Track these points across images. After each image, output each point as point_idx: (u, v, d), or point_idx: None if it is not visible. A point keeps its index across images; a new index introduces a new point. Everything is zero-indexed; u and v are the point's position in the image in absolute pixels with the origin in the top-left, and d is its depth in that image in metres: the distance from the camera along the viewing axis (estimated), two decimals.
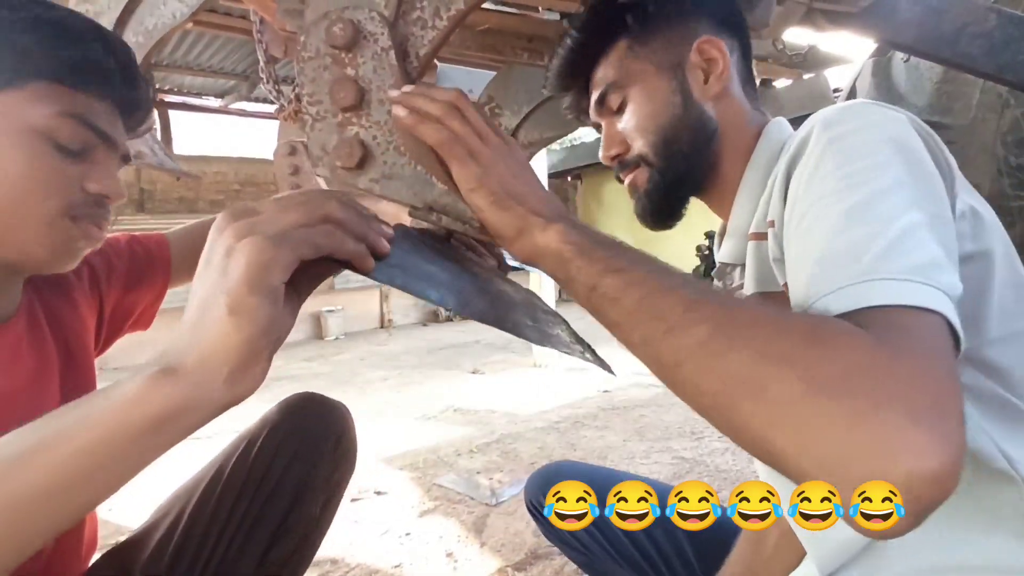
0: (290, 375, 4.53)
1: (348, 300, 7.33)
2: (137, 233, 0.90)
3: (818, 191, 0.46)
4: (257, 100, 6.22)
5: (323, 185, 1.71)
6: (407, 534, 1.77)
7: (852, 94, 1.33)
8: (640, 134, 0.69)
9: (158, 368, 0.36)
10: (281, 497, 0.78)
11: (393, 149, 0.54)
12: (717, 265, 0.74)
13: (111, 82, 0.60)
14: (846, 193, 0.44)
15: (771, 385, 0.34)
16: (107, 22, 0.97)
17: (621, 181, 0.74)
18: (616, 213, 9.62)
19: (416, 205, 0.54)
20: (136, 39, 1.00)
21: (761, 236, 0.59)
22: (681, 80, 0.68)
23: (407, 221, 0.56)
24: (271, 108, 1.65)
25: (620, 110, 0.70)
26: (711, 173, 0.69)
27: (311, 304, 7.08)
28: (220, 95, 6.45)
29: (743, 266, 0.65)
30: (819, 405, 0.32)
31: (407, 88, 0.52)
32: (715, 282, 0.76)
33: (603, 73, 0.70)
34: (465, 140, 0.50)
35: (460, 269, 0.54)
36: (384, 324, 7.74)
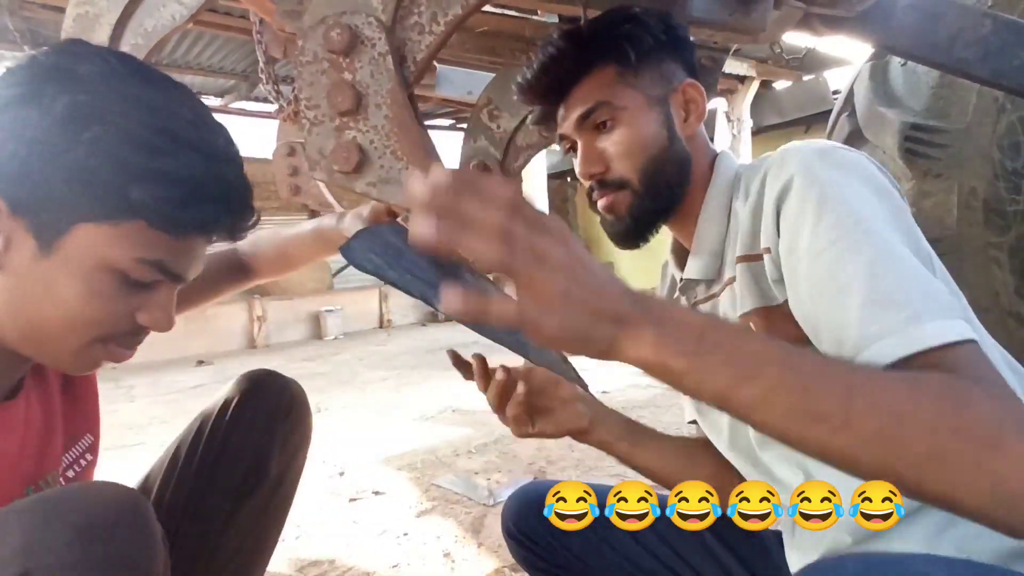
0: (291, 374, 4.51)
1: (347, 300, 7.34)
2: None
3: (830, 237, 0.52)
4: (257, 99, 6.22)
5: (322, 188, 1.71)
6: (405, 534, 1.77)
7: (850, 97, 1.33)
8: (627, 159, 0.71)
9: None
10: (241, 460, 0.84)
11: (390, 153, 0.55)
12: (680, 281, 0.77)
13: (212, 231, 0.59)
14: (861, 242, 0.51)
15: (950, 457, 0.38)
16: (106, 24, 0.98)
17: (591, 200, 0.76)
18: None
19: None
20: (135, 41, 1.00)
21: (754, 258, 0.64)
22: (667, 115, 0.73)
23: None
24: (271, 108, 1.66)
25: (603, 129, 0.72)
26: (679, 204, 0.74)
27: (310, 304, 7.08)
28: (220, 94, 6.46)
29: (707, 281, 0.73)
30: (992, 462, 0.37)
31: (439, 174, 0.36)
32: (680, 297, 0.79)
33: (588, 91, 0.72)
34: (534, 249, 0.37)
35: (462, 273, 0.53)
36: (383, 324, 7.74)
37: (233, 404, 0.86)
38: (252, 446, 0.85)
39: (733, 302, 0.67)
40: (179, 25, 1.03)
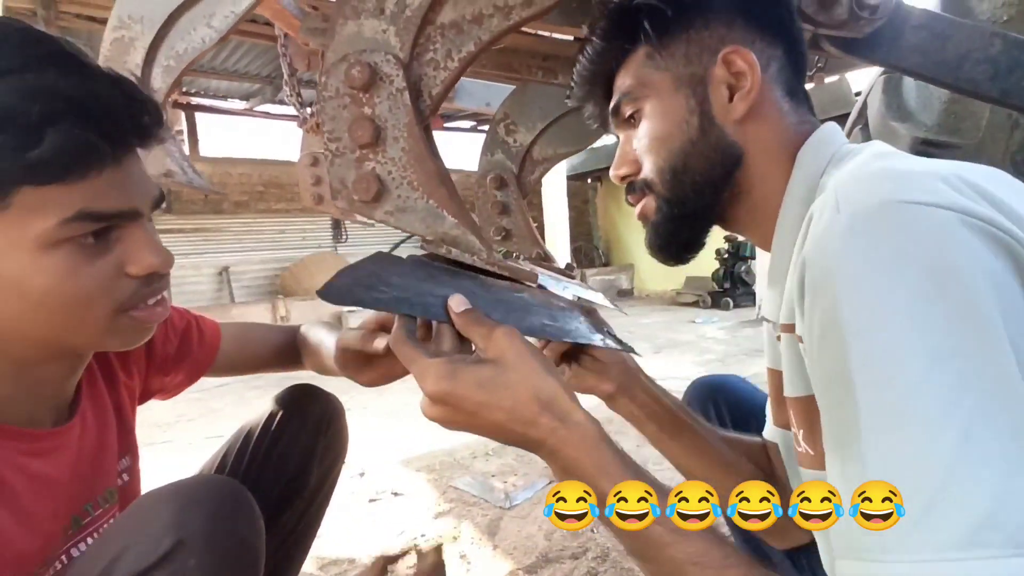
0: (312, 376, 4.60)
1: None
2: (196, 314, 0.95)
3: (845, 390, 0.39)
4: (281, 103, 6.34)
5: None
6: (422, 535, 1.82)
7: (863, 110, 1.34)
8: (650, 156, 0.63)
9: None
10: (282, 471, 0.90)
11: (407, 184, 0.58)
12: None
13: (97, 154, 0.51)
14: (882, 389, 0.37)
15: None
16: (140, 47, 1.03)
17: (632, 204, 0.68)
18: (636, 218, 9.55)
19: (428, 237, 0.58)
20: (168, 63, 1.05)
21: (791, 329, 0.52)
22: (701, 97, 0.60)
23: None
24: (294, 111, 1.71)
25: (633, 123, 0.64)
26: (737, 203, 0.62)
27: (334, 304, 7.18)
28: (245, 98, 6.59)
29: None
30: None
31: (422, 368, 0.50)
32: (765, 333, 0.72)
33: (620, 81, 0.65)
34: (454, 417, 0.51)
35: (473, 285, 0.57)
36: None
37: (277, 418, 0.92)
38: (294, 458, 0.91)
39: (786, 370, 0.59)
40: (208, 48, 1.08)
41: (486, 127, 1.30)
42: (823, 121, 0.63)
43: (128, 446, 0.77)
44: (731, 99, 0.59)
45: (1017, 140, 1.10)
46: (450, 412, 0.49)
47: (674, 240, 0.65)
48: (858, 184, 0.44)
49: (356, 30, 0.59)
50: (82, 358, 0.66)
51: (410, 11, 0.58)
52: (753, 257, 7.18)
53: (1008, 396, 0.35)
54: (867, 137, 1.28)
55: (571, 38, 1.20)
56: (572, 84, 0.70)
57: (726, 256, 7.58)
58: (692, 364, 4.31)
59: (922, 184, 0.40)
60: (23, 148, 0.47)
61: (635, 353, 0.66)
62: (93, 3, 2.74)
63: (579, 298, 0.80)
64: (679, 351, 4.91)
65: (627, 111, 0.64)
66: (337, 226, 7.42)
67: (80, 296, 0.53)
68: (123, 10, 1.03)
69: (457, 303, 0.52)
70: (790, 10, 0.64)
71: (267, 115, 6.43)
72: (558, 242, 4.12)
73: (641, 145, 0.63)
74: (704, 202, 0.62)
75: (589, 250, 11.01)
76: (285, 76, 1.70)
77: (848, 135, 1.42)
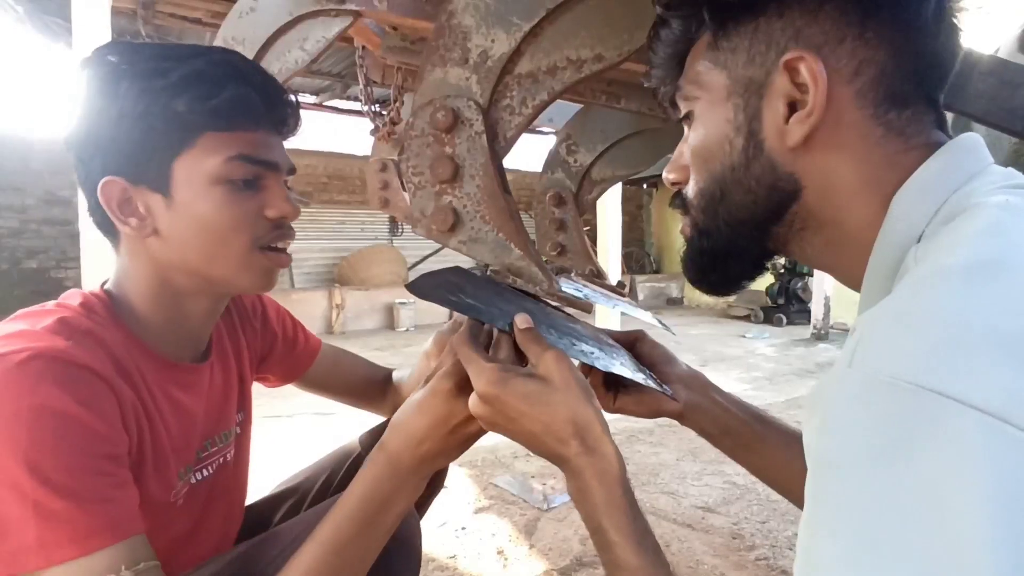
0: None
1: None
2: (303, 326, 1.04)
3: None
4: (349, 99, 6.56)
5: (408, 200, 1.86)
6: (463, 528, 1.90)
7: None
8: (693, 173, 0.54)
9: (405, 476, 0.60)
10: None
11: (480, 218, 0.65)
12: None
13: (256, 113, 0.68)
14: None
15: None
16: None
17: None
18: None
19: (496, 267, 0.64)
20: None
21: None
22: (752, 112, 0.48)
23: None
24: (361, 106, 1.81)
25: (689, 123, 0.55)
26: (802, 239, 0.51)
27: (386, 295, 7.39)
28: (315, 93, 6.84)
29: None
30: None
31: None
32: None
33: (685, 69, 0.54)
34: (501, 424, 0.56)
35: (535, 307, 0.63)
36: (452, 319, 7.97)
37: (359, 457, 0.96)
38: None
39: None
40: (300, 68, 1.18)
41: (542, 129, 1.34)
42: None
43: (243, 402, 0.87)
44: (787, 120, 0.46)
45: None
46: (493, 413, 0.55)
47: (704, 277, 0.57)
48: (887, 333, 0.33)
49: (442, 76, 0.66)
50: (221, 300, 0.76)
51: (491, 62, 0.65)
52: (811, 274, 6.98)
53: None
54: None
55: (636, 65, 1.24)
56: (649, 64, 0.59)
57: (782, 271, 7.39)
58: (738, 380, 4.26)
59: (973, 365, 0.29)
60: (208, 97, 0.63)
61: (671, 395, 0.70)
62: (186, 4, 2.96)
63: (624, 315, 0.84)
64: (726, 365, 4.85)
65: (682, 109, 0.55)
66: (394, 220, 7.63)
67: (229, 225, 0.67)
68: (228, 32, 1.14)
69: (522, 320, 0.58)
70: None
71: (335, 110, 6.65)
72: (610, 247, 4.12)
73: (689, 156, 0.54)
74: (740, 242, 0.53)
75: (640, 256, 10.92)
76: (360, 85, 1.80)
77: None
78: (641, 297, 9.74)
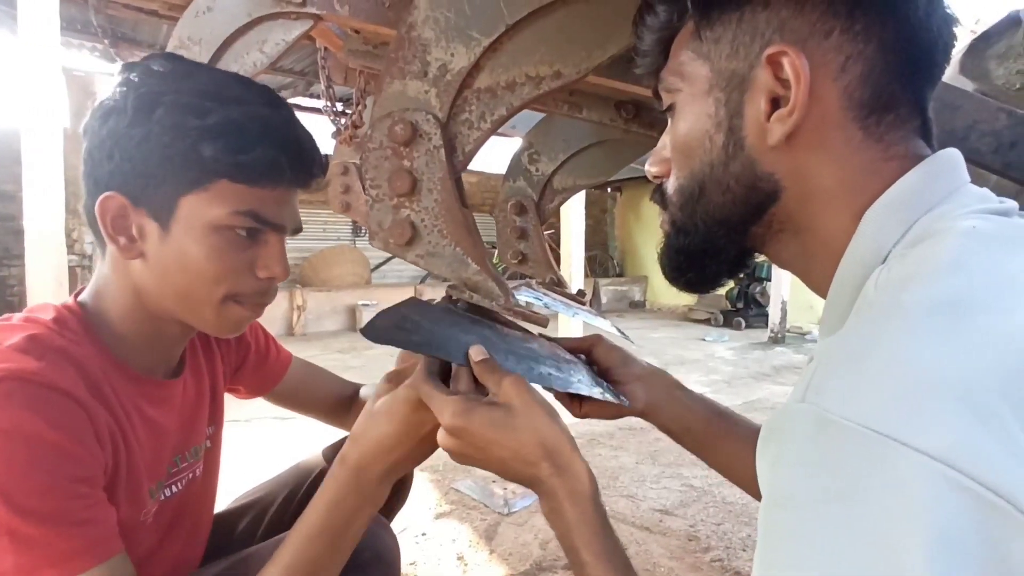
0: (325, 365, 4.68)
1: (384, 295, 7.53)
2: (275, 339, 1.03)
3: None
4: (311, 96, 6.45)
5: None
6: (423, 534, 1.88)
7: None
8: (673, 167, 0.53)
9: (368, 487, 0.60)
10: None
11: (437, 232, 0.64)
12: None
13: (282, 174, 0.67)
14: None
15: None
16: None
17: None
18: (654, 229, 9.59)
19: (453, 281, 0.64)
20: None
21: None
22: (734, 108, 0.46)
23: None
24: (322, 103, 1.79)
25: (669, 112, 0.53)
26: (778, 241, 0.50)
27: (348, 296, 7.29)
28: (278, 90, 6.72)
29: None
30: None
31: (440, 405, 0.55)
32: None
33: (670, 58, 0.53)
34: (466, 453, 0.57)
35: (491, 334, 0.64)
36: None
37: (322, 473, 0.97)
38: None
39: None
40: (259, 71, 1.15)
41: (507, 133, 1.34)
42: None
43: (215, 416, 0.86)
44: (768, 117, 0.45)
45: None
46: (462, 445, 0.55)
47: (681, 275, 0.55)
48: (841, 374, 0.33)
49: (401, 89, 0.66)
50: (192, 328, 0.74)
51: (451, 76, 0.65)
52: (769, 279, 7.17)
53: None
54: None
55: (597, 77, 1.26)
56: (636, 52, 0.57)
57: (741, 276, 7.57)
58: (697, 383, 4.35)
59: (923, 409, 0.29)
60: (237, 151, 0.63)
61: (626, 405, 0.72)
62: None
63: (587, 324, 0.86)
64: (685, 368, 4.94)
65: (665, 101, 0.53)
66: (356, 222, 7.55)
67: (214, 274, 0.65)
68: (184, 32, 1.10)
69: (476, 352, 0.58)
70: None
71: (297, 107, 6.55)
72: (573, 251, 4.16)
73: (670, 148, 0.53)
74: (718, 241, 0.51)
75: (604, 260, 11.04)
76: (322, 87, 1.77)
77: None
78: (605, 300, 9.84)
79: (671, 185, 0.53)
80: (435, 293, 7.78)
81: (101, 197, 0.63)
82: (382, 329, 0.58)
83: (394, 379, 0.64)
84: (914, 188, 0.42)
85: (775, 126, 0.44)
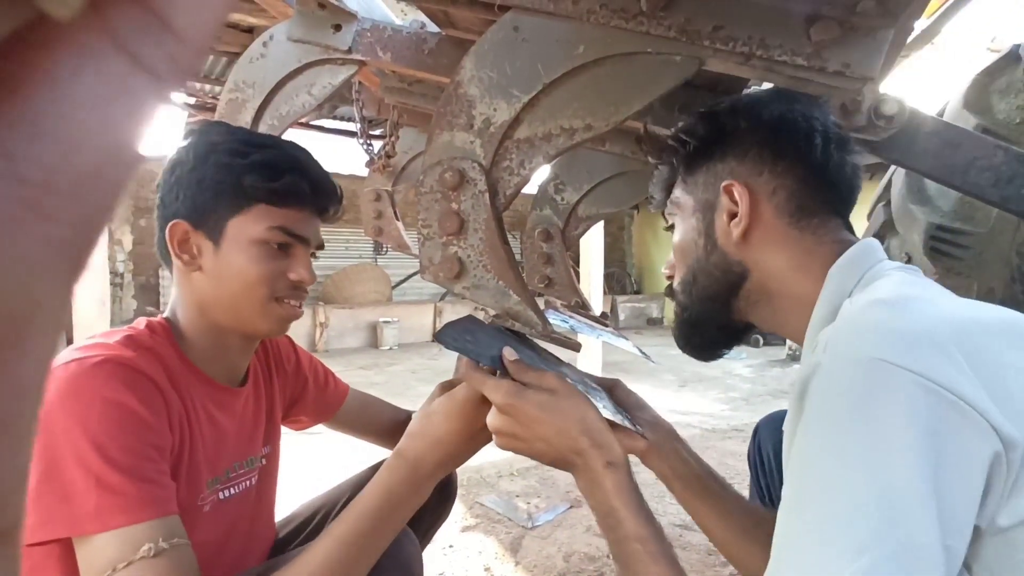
0: (348, 382, 4.80)
1: (404, 312, 7.64)
2: (332, 373, 1.15)
3: (794, 490, 0.47)
4: (336, 118, 6.64)
5: (401, 233, 1.93)
6: (450, 546, 1.95)
7: (888, 187, 1.44)
8: (676, 266, 0.77)
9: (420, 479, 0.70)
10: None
11: (482, 267, 0.73)
12: None
13: (305, 199, 0.84)
14: (814, 521, 0.44)
15: None
16: (251, 108, 1.21)
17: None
18: (670, 247, 9.58)
19: (497, 312, 0.72)
20: (272, 122, 1.23)
21: None
22: (708, 222, 0.71)
23: None
24: (349, 126, 1.89)
25: (672, 229, 0.78)
26: (756, 309, 0.71)
27: (370, 313, 7.41)
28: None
29: None
30: None
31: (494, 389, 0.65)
32: None
33: (672, 195, 0.78)
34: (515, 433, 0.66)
35: (532, 353, 0.72)
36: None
37: None
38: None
39: None
40: (307, 111, 1.26)
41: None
42: (869, 166, 0.72)
43: (271, 437, 0.97)
44: (729, 224, 0.69)
45: (1023, 233, 1.19)
46: (511, 424, 0.64)
47: (689, 342, 0.76)
48: (848, 333, 0.50)
49: (449, 139, 0.74)
50: (251, 339, 0.88)
51: (494, 128, 0.73)
52: None
53: (908, 564, 0.40)
54: (889, 215, 1.38)
55: None
56: (650, 196, 0.84)
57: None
58: (716, 401, 4.37)
59: (907, 346, 0.45)
60: (270, 180, 0.80)
61: (643, 434, 0.79)
62: None
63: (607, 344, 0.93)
64: (704, 386, 4.96)
65: (669, 221, 0.79)
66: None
67: (257, 277, 0.80)
68: (239, 76, 1.22)
69: (509, 353, 0.68)
70: (810, 141, 0.67)
71: (322, 129, 6.73)
72: (592, 272, 4.22)
73: (674, 254, 0.77)
74: (709, 313, 0.72)
75: (622, 277, 11.08)
76: (356, 118, 1.88)
77: (873, 209, 1.52)
78: (622, 317, 9.86)
79: (676, 281, 0.76)
80: (454, 310, 7.88)
81: (169, 225, 0.79)
82: (450, 338, 0.67)
83: (447, 387, 0.74)
84: (861, 253, 0.64)
85: (733, 229, 0.68)
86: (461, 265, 0.73)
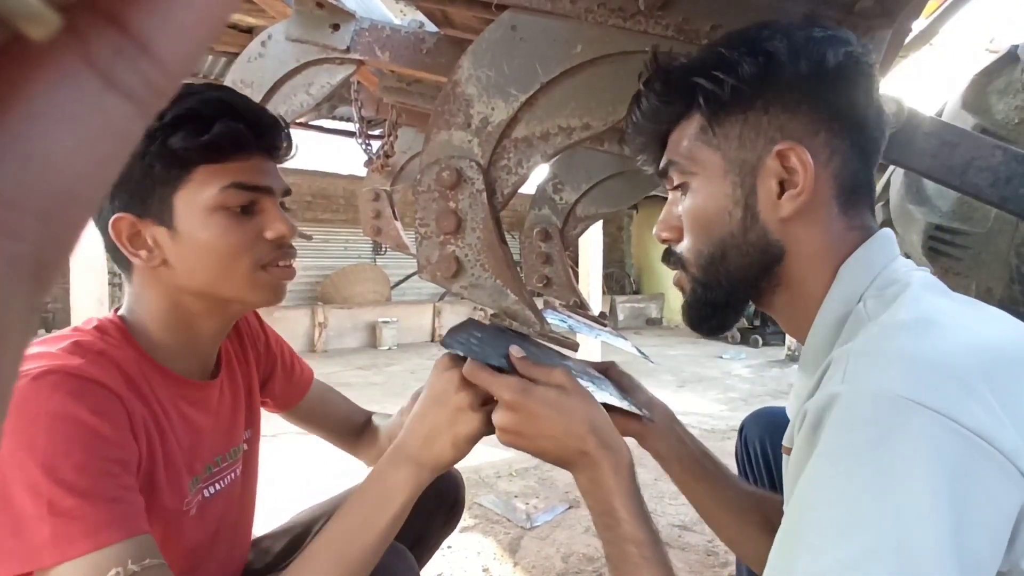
0: (347, 382, 4.83)
1: (403, 312, 7.63)
2: (299, 357, 1.09)
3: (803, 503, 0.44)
4: (335, 118, 6.64)
5: (400, 232, 1.92)
6: (448, 547, 1.94)
7: (887, 187, 1.44)
8: (689, 235, 0.63)
9: (409, 463, 0.68)
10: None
11: (480, 265, 0.72)
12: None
13: (246, 143, 0.72)
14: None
15: None
16: None
17: (669, 267, 0.70)
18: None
19: (493, 311, 0.72)
20: None
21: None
22: (748, 189, 0.58)
23: None
24: (347, 126, 1.88)
25: (681, 191, 0.64)
26: (774, 294, 0.62)
27: (369, 314, 7.41)
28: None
29: None
30: None
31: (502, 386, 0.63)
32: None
33: (672, 144, 0.64)
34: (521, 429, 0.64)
35: (536, 349, 0.71)
36: (435, 338, 8.01)
37: None
38: (410, 537, 0.92)
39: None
40: (305, 111, 1.26)
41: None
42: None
43: (252, 419, 0.91)
44: (780, 195, 0.56)
45: (1022, 233, 1.19)
46: (518, 420, 0.63)
47: (704, 323, 0.66)
48: (869, 366, 0.46)
49: (447, 139, 0.74)
50: (230, 320, 0.80)
51: (491, 127, 0.73)
52: None
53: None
54: (887, 216, 1.38)
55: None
56: (626, 131, 0.69)
57: None
58: (715, 401, 4.37)
59: (932, 383, 0.42)
60: (199, 134, 0.68)
61: (651, 421, 0.79)
62: None
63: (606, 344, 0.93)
64: (703, 386, 4.96)
65: (675, 179, 0.64)
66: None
67: (230, 250, 0.72)
68: (237, 75, 1.21)
69: (516, 351, 0.67)
70: (868, 92, 0.57)
71: (320, 129, 6.72)
72: (591, 272, 4.23)
73: (684, 221, 0.63)
74: (736, 295, 0.62)
75: (621, 277, 11.08)
76: (355, 118, 1.88)
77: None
78: (621, 317, 9.86)
79: (687, 249, 0.64)
80: (453, 310, 7.88)
81: (111, 220, 0.69)
82: (455, 342, 0.67)
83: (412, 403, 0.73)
84: (875, 251, 0.57)
85: (787, 203, 0.56)
86: (459, 264, 0.73)
